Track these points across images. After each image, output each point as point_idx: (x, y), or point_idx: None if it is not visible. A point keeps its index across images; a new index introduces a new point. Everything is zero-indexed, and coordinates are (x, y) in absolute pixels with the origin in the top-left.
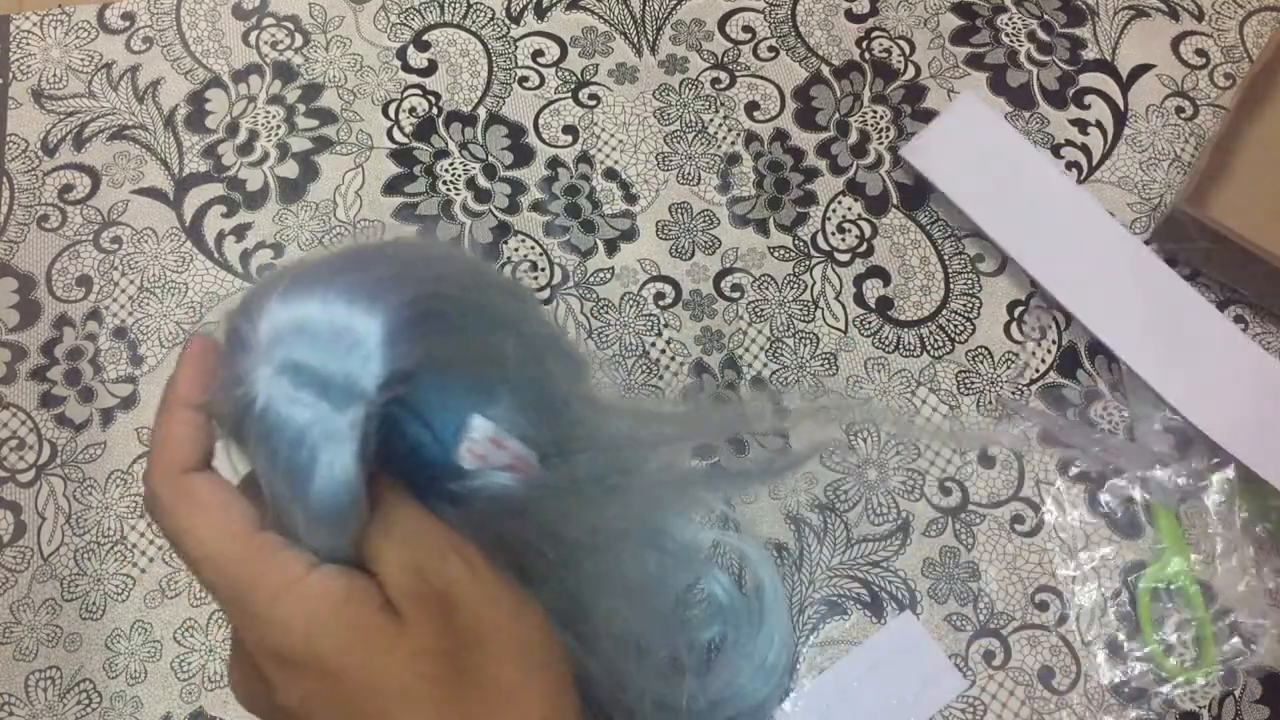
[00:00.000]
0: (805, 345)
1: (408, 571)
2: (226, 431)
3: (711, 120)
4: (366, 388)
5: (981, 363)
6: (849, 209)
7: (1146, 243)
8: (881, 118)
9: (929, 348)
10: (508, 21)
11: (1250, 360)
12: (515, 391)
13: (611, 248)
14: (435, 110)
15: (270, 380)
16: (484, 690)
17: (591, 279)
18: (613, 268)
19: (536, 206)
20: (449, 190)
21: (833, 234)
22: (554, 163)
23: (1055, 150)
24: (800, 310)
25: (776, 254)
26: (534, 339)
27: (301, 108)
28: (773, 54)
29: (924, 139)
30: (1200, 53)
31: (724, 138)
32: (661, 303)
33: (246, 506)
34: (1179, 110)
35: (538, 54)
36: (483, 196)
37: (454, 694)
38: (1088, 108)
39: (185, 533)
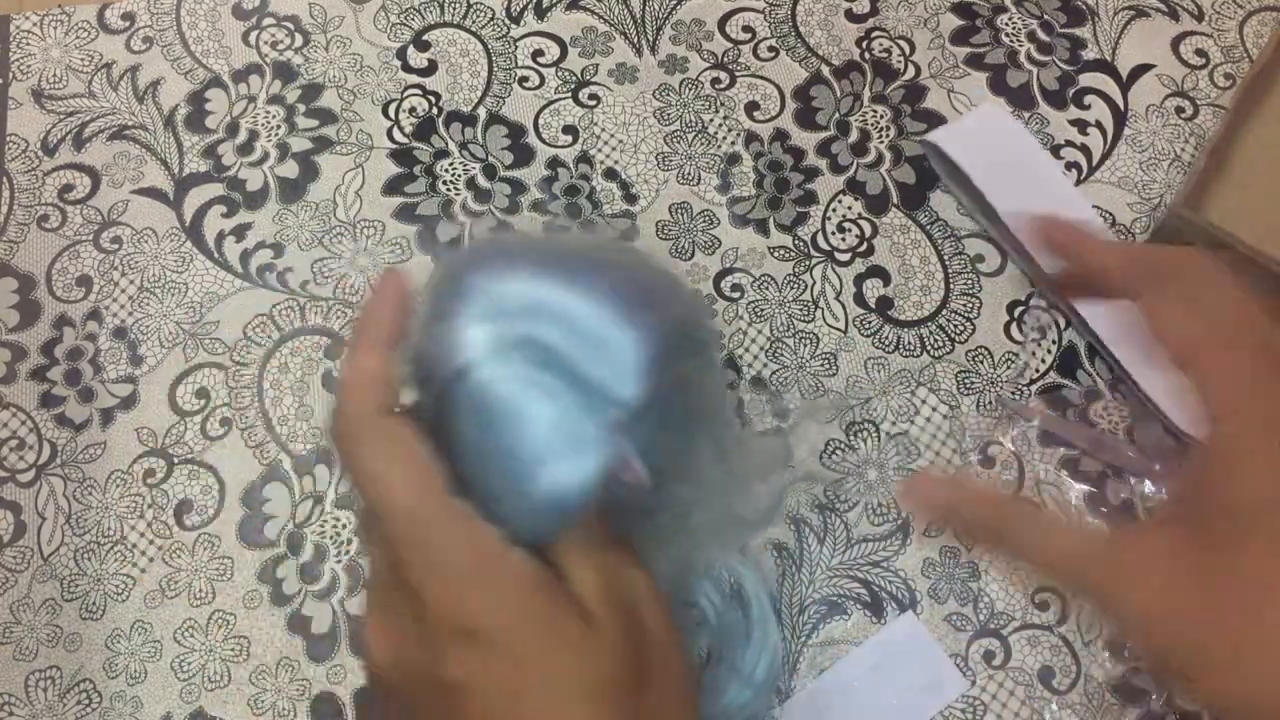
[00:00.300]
0: (805, 345)
1: (599, 578)
2: (414, 384)
3: (711, 120)
4: (626, 401)
5: (981, 363)
6: (849, 208)
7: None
8: (882, 117)
9: (929, 348)
10: (508, 21)
11: None
12: (698, 427)
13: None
14: (435, 110)
15: (499, 351)
16: (653, 708)
17: None
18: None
19: (536, 206)
20: (449, 190)
21: (833, 234)
22: (554, 163)
23: (1055, 150)
24: (800, 310)
25: (776, 254)
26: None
27: (301, 108)
28: (773, 54)
29: (948, 132)
30: (1200, 53)
31: (724, 138)
32: None
33: (438, 463)
34: (1179, 110)
35: (538, 54)
36: (483, 196)
37: (630, 703)
38: (1088, 108)
39: (378, 478)
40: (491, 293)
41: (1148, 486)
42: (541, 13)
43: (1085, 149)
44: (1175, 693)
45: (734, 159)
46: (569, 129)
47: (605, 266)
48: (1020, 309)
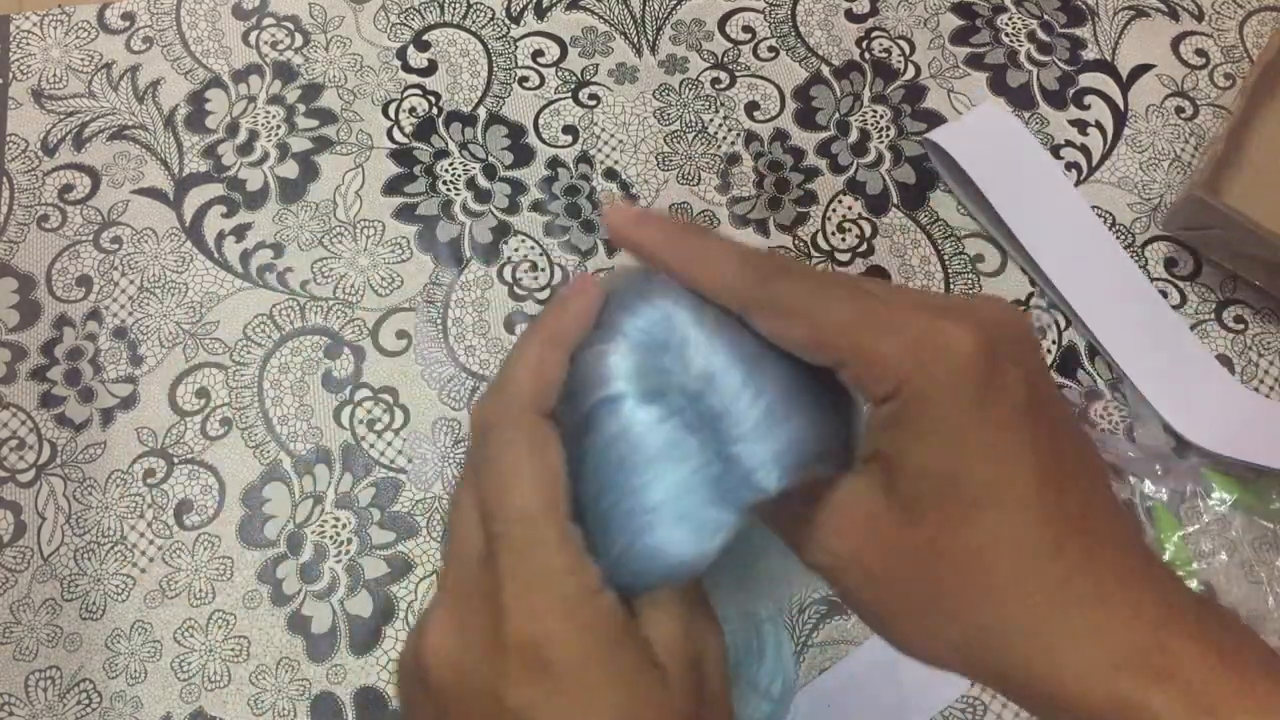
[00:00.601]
0: None
1: (678, 629)
2: (562, 393)
3: (711, 120)
4: (766, 490)
5: None
6: (849, 208)
7: (1148, 242)
8: (882, 117)
9: None
10: (508, 21)
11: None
12: None
13: (612, 248)
14: (435, 110)
15: (659, 394)
16: None
17: None
18: (613, 268)
19: (536, 206)
20: (449, 190)
21: (833, 233)
22: (554, 163)
23: (1055, 151)
24: None
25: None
26: None
27: (301, 108)
28: (773, 54)
29: (949, 131)
30: (1200, 53)
31: (724, 138)
32: None
33: (568, 484)
34: (1179, 110)
35: (538, 54)
36: (483, 196)
37: None
38: (1088, 108)
39: (505, 474)
40: (673, 330)
41: (1148, 486)
42: (541, 13)
43: (1085, 149)
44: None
45: (734, 159)
46: (569, 129)
47: (788, 358)
48: (1020, 309)
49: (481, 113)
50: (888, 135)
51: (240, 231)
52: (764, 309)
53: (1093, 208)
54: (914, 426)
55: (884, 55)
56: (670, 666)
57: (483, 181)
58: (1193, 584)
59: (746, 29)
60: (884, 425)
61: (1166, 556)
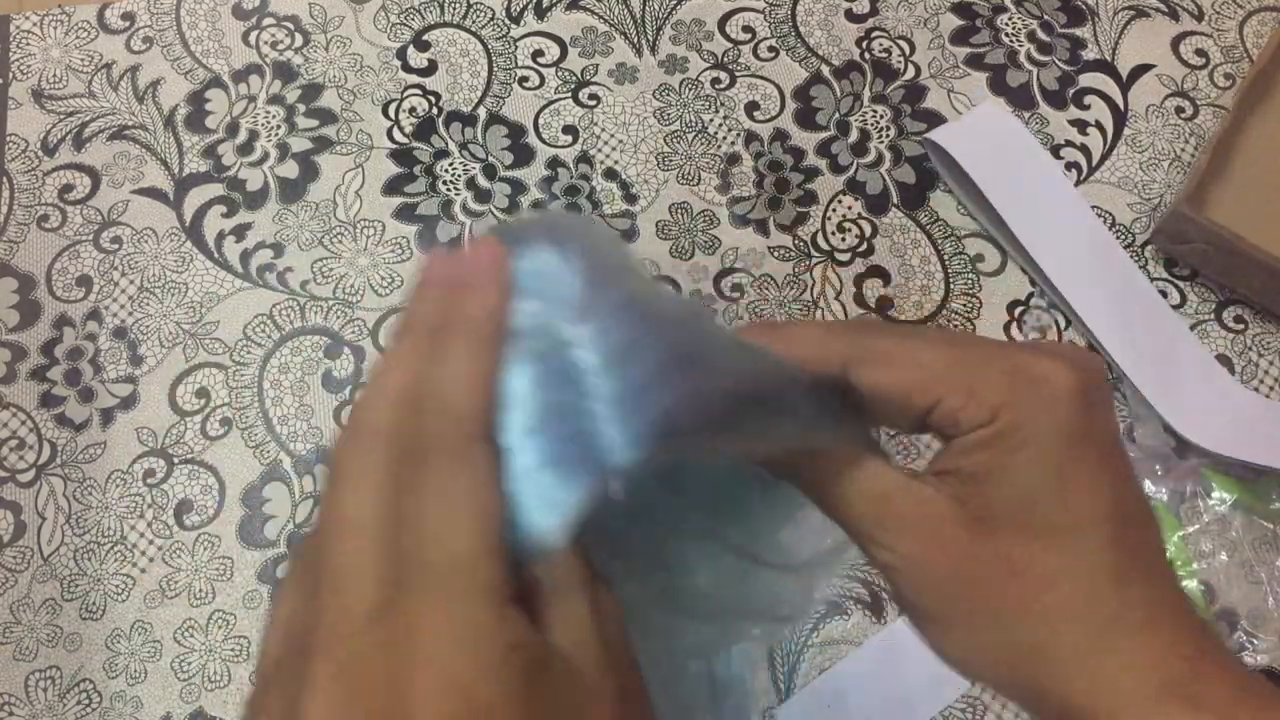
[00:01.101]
0: None
1: (585, 627)
2: None
3: (711, 120)
4: (618, 466)
5: None
6: (849, 208)
7: (1146, 243)
8: (882, 117)
9: None
10: (508, 21)
11: (1215, 374)
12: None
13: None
14: (435, 110)
15: (523, 339)
16: None
17: None
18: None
19: (537, 206)
20: (449, 190)
21: (833, 233)
22: (554, 163)
23: (1055, 151)
24: (800, 310)
25: (776, 254)
26: None
27: (301, 108)
28: (773, 54)
29: (949, 131)
30: (1200, 53)
31: (724, 138)
32: None
33: (500, 508)
34: (1179, 110)
35: (538, 54)
36: (483, 196)
37: None
38: (1088, 108)
39: (440, 515)
40: (557, 279)
41: (1148, 486)
42: (541, 13)
43: (1085, 149)
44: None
45: (734, 159)
46: (569, 129)
47: (695, 317)
48: (1020, 309)
49: (481, 113)
50: (888, 135)
51: (240, 231)
52: (864, 363)
53: (1093, 208)
54: (1006, 448)
55: (884, 55)
56: (588, 668)
57: (483, 181)
58: (1193, 584)
59: (746, 29)
60: (970, 448)
61: (1166, 556)
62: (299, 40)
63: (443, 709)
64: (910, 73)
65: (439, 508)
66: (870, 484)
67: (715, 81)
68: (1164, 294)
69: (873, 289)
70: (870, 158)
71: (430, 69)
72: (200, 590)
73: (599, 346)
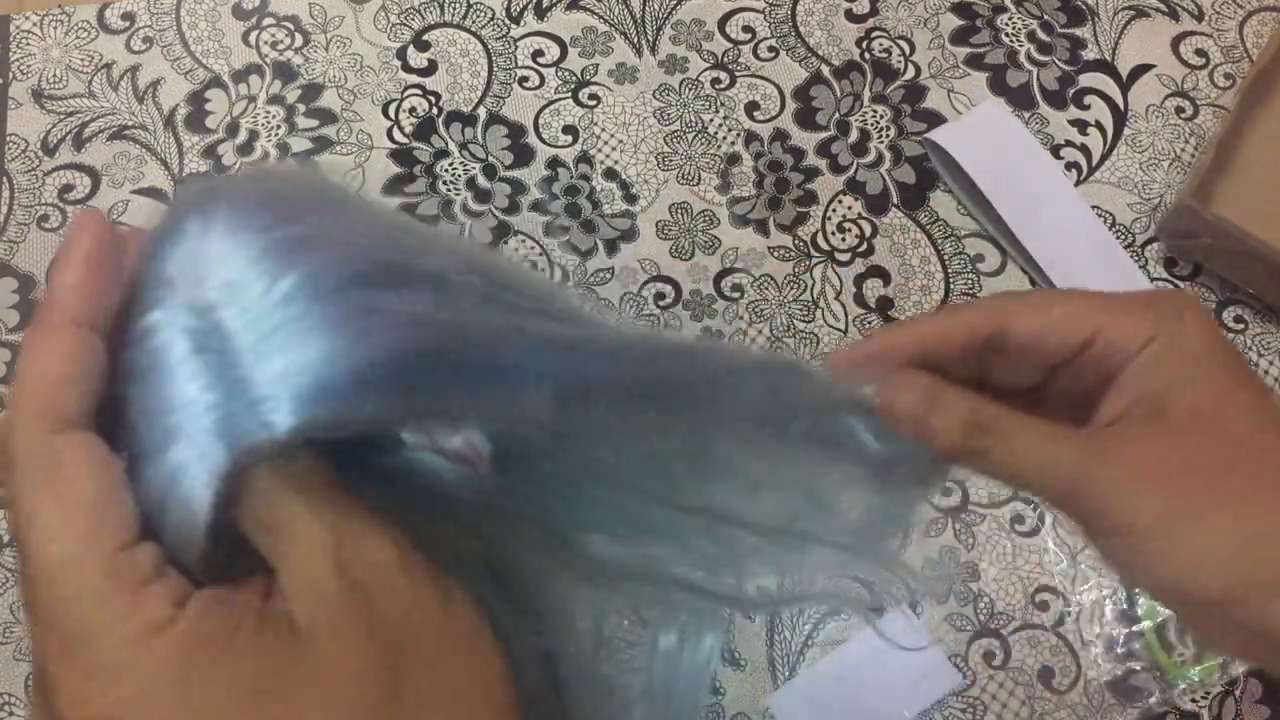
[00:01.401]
0: (805, 345)
1: (321, 563)
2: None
3: (711, 120)
4: (274, 431)
5: None
6: (849, 208)
7: (1146, 243)
8: (882, 117)
9: None
10: (508, 21)
11: None
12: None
13: (611, 248)
14: (435, 110)
15: (179, 317)
16: (413, 707)
17: (591, 279)
18: (613, 268)
19: (536, 206)
20: (449, 190)
21: (833, 233)
22: (554, 163)
23: (1055, 151)
24: (800, 310)
25: (776, 254)
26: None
27: (301, 108)
28: (773, 54)
29: (949, 131)
30: (1200, 53)
31: (724, 138)
32: (662, 303)
33: (126, 501)
34: (1179, 110)
35: (538, 54)
36: (483, 196)
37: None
38: (1088, 108)
39: (29, 521)
40: (195, 242)
41: None
42: (541, 13)
43: (1085, 149)
44: (1184, 624)
45: (734, 159)
46: (569, 129)
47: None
48: None
49: (481, 113)
50: (888, 135)
51: None
52: (1020, 313)
53: (1093, 208)
54: (1180, 361)
55: (884, 55)
56: (312, 619)
57: (483, 181)
58: None
59: (746, 29)
60: (1142, 372)
61: None
62: (299, 40)
63: None
64: (910, 73)
65: (31, 515)
66: (1051, 452)
67: (715, 81)
68: None
69: (873, 289)
70: (870, 158)
71: (430, 69)
72: None
73: (245, 297)
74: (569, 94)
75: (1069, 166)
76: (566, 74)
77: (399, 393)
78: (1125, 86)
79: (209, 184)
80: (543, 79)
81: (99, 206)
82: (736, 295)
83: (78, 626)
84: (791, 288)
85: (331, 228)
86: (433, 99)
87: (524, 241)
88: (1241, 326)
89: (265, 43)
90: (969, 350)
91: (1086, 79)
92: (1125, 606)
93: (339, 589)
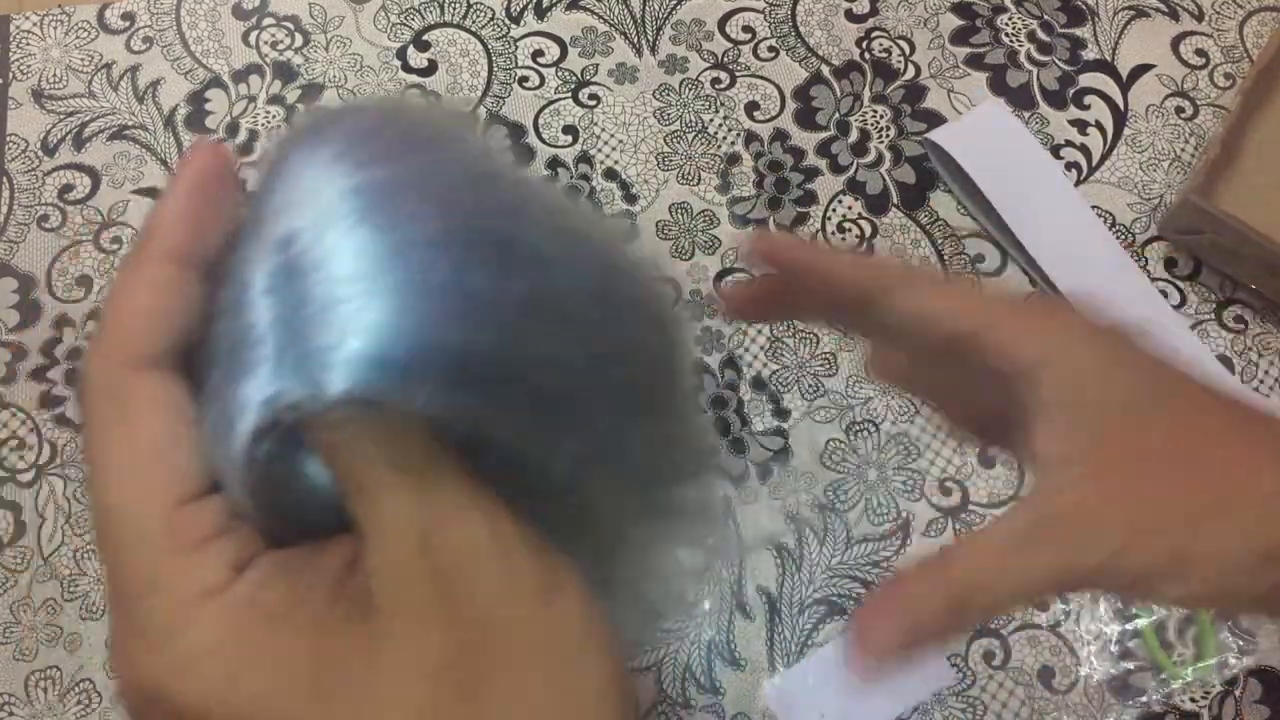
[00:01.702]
0: (805, 345)
1: (406, 540)
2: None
3: (711, 120)
4: (322, 392)
5: None
6: (849, 208)
7: (1146, 243)
8: (882, 117)
9: None
10: (508, 21)
11: (1215, 374)
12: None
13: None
14: None
15: (266, 251)
16: (491, 711)
17: None
18: None
19: None
20: None
21: (833, 234)
22: (554, 163)
23: (1055, 151)
24: None
25: None
26: None
27: (301, 108)
28: (773, 54)
29: (949, 131)
30: (1200, 53)
31: (724, 138)
32: None
33: (193, 451)
34: (1179, 110)
35: (538, 54)
36: None
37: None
38: (1088, 108)
39: (95, 460)
40: (296, 173)
41: None
42: (541, 13)
43: (1085, 149)
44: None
45: (734, 159)
46: (569, 129)
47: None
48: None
49: (481, 113)
50: (888, 135)
51: None
52: (910, 286)
53: (1093, 208)
54: (1088, 398)
55: (884, 55)
56: (391, 600)
57: None
58: None
59: (746, 29)
60: (1063, 405)
61: None
62: (299, 40)
63: (129, 696)
64: (910, 73)
65: (97, 455)
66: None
67: (715, 81)
68: (1164, 294)
69: None
70: (870, 158)
71: (430, 69)
72: None
73: (326, 246)
74: (569, 94)
75: (1069, 166)
76: (566, 74)
77: (459, 389)
78: (1125, 86)
79: (324, 112)
80: (543, 79)
81: (99, 206)
82: None
83: (133, 582)
84: None
85: (436, 175)
86: (433, 99)
87: None
88: (1241, 326)
89: (265, 43)
90: (844, 300)
91: (1086, 79)
92: (1122, 606)
93: (421, 572)
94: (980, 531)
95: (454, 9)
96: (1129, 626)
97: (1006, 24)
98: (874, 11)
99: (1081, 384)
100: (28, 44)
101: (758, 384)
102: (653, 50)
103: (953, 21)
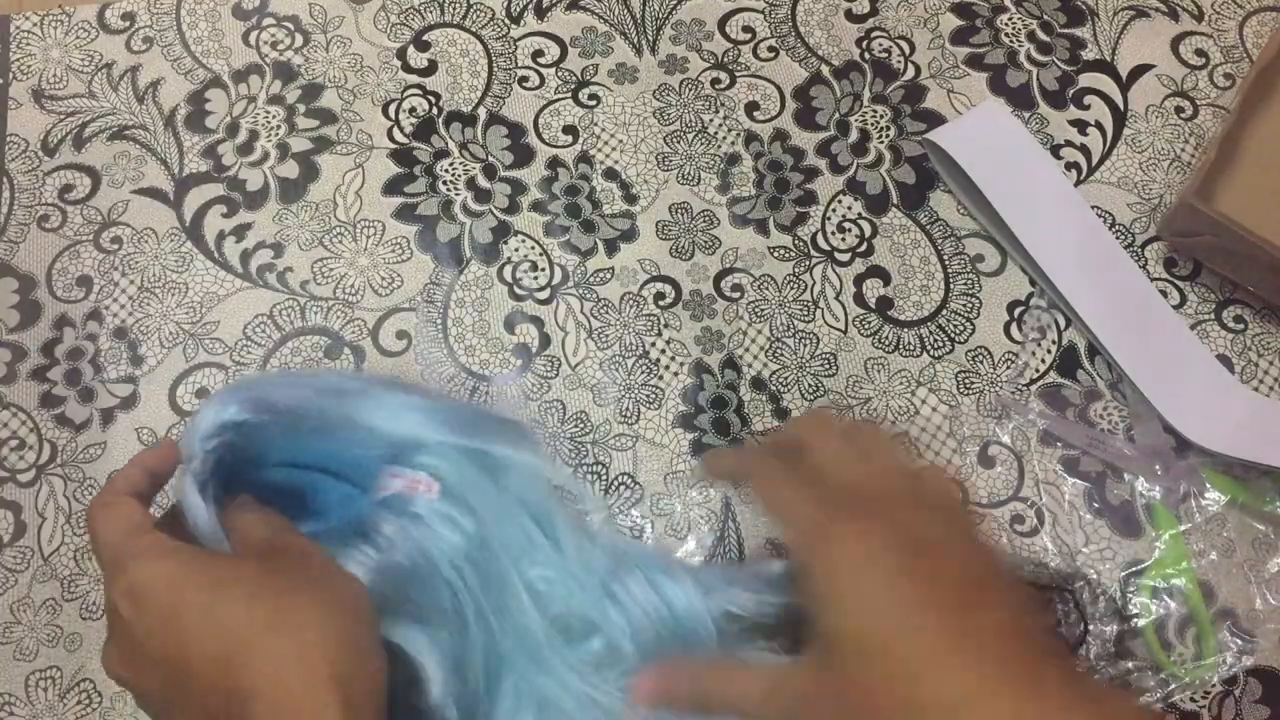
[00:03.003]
0: (805, 345)
1: (250, 528)
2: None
3: (711, 120)
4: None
5: (981, 363)
6: (849, 208)
7: (1146, 243)
8: (882, 117)
9: (929, 348)
10: (508, 21)
11: (1215, 374)
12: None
13: (611, 248)
14: (435, 110)
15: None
16: (295, 567)
17: (591, 279)
18: (613, 268)
19: (536, 206)
20: (449, 190)
21: (833, 234)
22: (554, 163)
23: (1055, 151)
24: (800, 310)
25: (776, 254)
26: None
27: (301, 108)
28: (773, 54)
29: (949, 131)
30: (1200, 53)
31: (724, 138)
32: (661, 303)
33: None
34: (1179, 110)
35: (538, 54)
36: (483, 196)
37: (269, 568)
38: (1087, 108)
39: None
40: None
41: (1146, 484)
42: (541, 13)
43: (1085, 149)
44: None
45: (734, 159)
46: (569, 129)
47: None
48: (1020, 309)
49: (481, 113)
50: (888, 135)
51: (240, 231)
52: (715, 687)
53: (1093, 208)
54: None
55: (884, 55)
56: (242, 549)
57: (483, 181)
58: (1182, 581)
59: (746, 29)
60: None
61: (1161, 553)
62: (299, 40)
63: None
64: (910, 73)
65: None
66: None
67: (715, 81)
68: (1164, 294)
69: (873, 289)
70: (870, 158)
71: (430, 69)
72: None
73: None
74: (569, 94)
75: (1069, 166)
76: (566, 74)
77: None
78: (1125, 86)
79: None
80: (543, 79)
81: (99, 206)
82: (736, 295)
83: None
84: (791, 288)
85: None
86: (433, 99)
87: (524, 241)
88: (1241, 327)
89: (265, 43)
90: None
91: (1086, 79)
92: (1122, 606)
93: (253, 538)
94: (743, 669)
95: (454, 9)
96: (1129, 626)
97: (1006, 24)
98: (874, 11)
99: (840, 628)
100: (28, 44)
101: (758, 384)
102: (653, 50)
103: (953, 21)
